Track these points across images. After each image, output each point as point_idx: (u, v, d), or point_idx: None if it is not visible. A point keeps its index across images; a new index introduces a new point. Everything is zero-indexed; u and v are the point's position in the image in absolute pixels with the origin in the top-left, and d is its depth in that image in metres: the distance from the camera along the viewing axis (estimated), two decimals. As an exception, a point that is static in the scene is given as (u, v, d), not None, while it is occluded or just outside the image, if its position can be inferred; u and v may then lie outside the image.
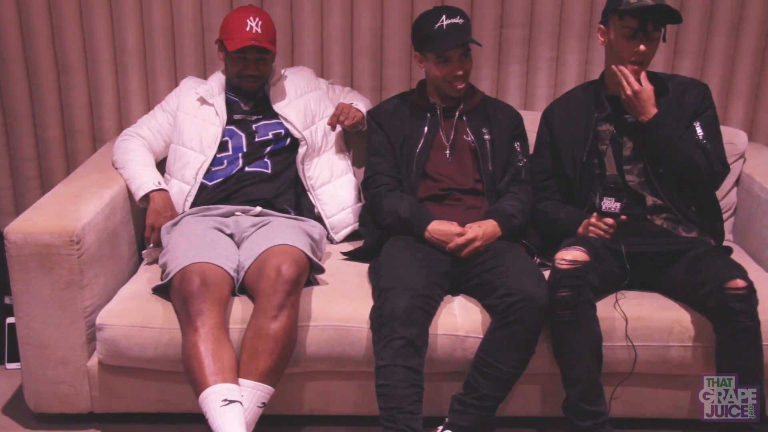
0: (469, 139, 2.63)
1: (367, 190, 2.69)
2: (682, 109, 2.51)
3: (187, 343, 2.17)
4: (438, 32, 2.48)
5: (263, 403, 2.16)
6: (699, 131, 2.49)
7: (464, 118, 2.65)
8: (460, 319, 2.33)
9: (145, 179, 2.63)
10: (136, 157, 2.69)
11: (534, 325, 2.22)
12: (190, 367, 2.14)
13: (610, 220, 2.40)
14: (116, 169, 2.71)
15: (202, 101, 2.74)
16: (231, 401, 2.07)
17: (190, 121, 2.72)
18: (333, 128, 2.80)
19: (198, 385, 2.11)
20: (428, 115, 2.66)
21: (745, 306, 2.16)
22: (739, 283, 2.17)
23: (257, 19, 2.64)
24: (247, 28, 2.62)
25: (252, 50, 2.65)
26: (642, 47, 2.41)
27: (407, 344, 2.17)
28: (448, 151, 2.63)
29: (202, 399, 2.09)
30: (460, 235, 2.43)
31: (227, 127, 2.72)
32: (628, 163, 2.54)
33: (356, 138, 2.95)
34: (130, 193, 2.66)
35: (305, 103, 2.81)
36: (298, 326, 2.27)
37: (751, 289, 2.18)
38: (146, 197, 2.61)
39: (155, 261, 2.58)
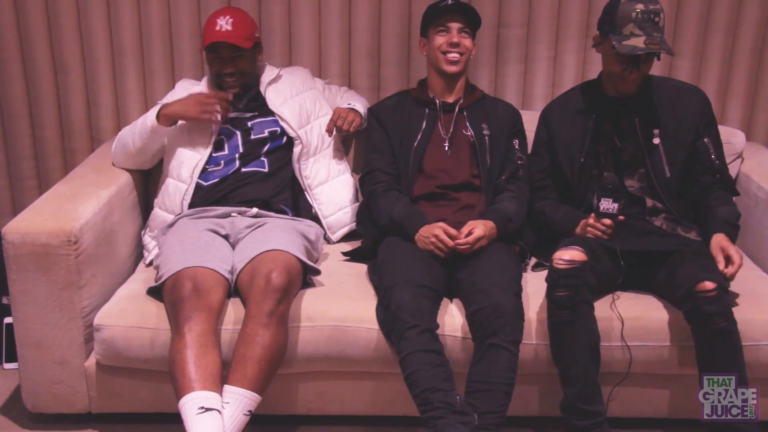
0: (469, 133, 2.64)
1: (364, 186, 2.69)
2: (683, 115, 2.52)
3: (173, 349, 2.17)
4: (442, 8, 2.60)
5: (249, 410, 2.14)
6: (711, 149, 2.52)
7: (464, 112, 2.66)
8: (458, 320, 2.33)
9: (147, 115, 2.66)
10: (132, 125, 2.72)
11: (508, 333, 2.19)
12: (173, 372, 2.13)
13: (608, 221, 2.40)
14: (127, 151, 2.70)
15: None
16: (208, 409, 2.05)
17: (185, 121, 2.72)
18: (330, 134, 2.80)
19: (178, 391, 2.10)
20: (427, 110, 2.66)
21: (716, 308, 2.15)
22: (708, 285, 2.16)
23: (227, 17, 2.65)
24: (217, 27, 2.63)
25: (224, 48, 2.65)
26: (633, 76, 2.43)
27: (423, 331, 2.18)
28: (446, 145, 2.63)
29: (181, 405, 2.08)
30: (452, 237, 2.41)
31: (222, 126, 2.71)
32: (628, 167, 2.54)
33: (354, 137, 2.95)
34: (127, 193, 2.67)
35: (300, 103, 2.81)
36: (288, 334, 2.26)
37: (722, 290, 2.17)
38: (160, 118, 2.63)
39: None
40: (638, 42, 2.34)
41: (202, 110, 2.63)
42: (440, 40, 2.59)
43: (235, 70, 2.69)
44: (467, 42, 2.61)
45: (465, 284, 2.34)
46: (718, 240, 2.36)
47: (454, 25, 2.58)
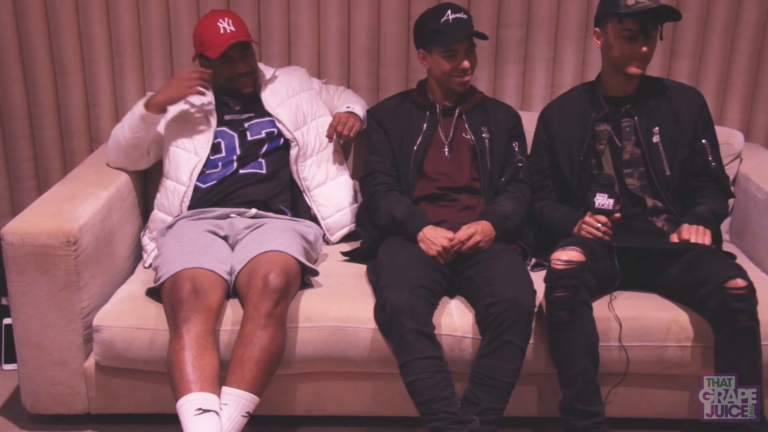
0: (468, 137, 2.64)
1: (365, 188, 2.69)
2: (681, 114, 2.53)
3: (171, 350, 2.17)
4: (444, 26, 2.50)
5: (248, 412, 2.14)
6: (708, 151, 2.53)
7: (464, 116, 2.66)
8: (457, 320, 2.33)
9: (136, 106, 2.64)
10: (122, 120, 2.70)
11: (524, 331, 2.23)
12: (171, 373, 2.13)
13: (603, 218, 2.40)
14: (118, 145, 2.67)
15: (192, 105, 2.74)
16: (205, 410, 2.05)
17: (183, 123, 2.72)
18: (330, 140, 2.80)
19: (176, 392, 2.10)
20: (428, 113, 2.66)
21: (745, 306, 2.16)
22: (740, 282, 2.17)
23: (226, 18, 2.64)
24: (221, 31, 2.62)
25: (235, 49, 2.64)
26: (644, 48, 2.42)
27: (419, 335, 2.18)
28: (446, 149, 2.63)
29: (179, 407, 2.08)
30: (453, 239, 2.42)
31: (218, 129, 2.71)
32: (629, 167, 2.54)
33: (353, 140, 2.94)
34: (127, 194, 2.67)
35: (297, 104, 2.80)
36: (286, 335, 2.26)
37: (751, 289, 2.18)
38: (148, 107, 2.61)
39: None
40: (647, 3, 2.36)
41: (188, 86, 2.63)
42: (448, 65, 2.54)
43: (249, 69, 2.70)
44: (474, 59, 2.59)
45: (476, 279, 2.34)
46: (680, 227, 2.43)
47: (461, 47, 2.52)
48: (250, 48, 2.70)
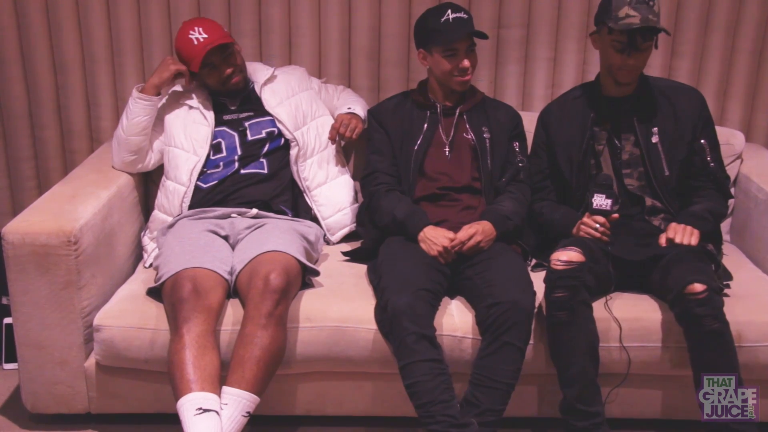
0: (469, 137, 2.64)
1: (366, 187, 2.69)
2: (680, 114, 2.52)
3: (171, 350, 2.17)
4: (445, 25, 2.50)
5: (248, 412, 2.14)
6: (707, 151, 2.52)
7: (464, 116, 2.66)
8: (458, 321, 2.33)
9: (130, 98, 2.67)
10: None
11: (523, 332, 2.23)
12: (171, 373, 2.14)
13: (601, 219, 2.40)
14: (119, 140, 2.68)
15: (189, 106, 2.74)
16: (206, 410, 2.05)
17: (180, 123, 2.72)
18: (333, 141, 2.80)
19: (177, 392, 2.10)
20: (428, 113, 2.66)
21: (706, 310, 2.15)
22: (697, 287, 2.16)
23: (196, 28, 2.64)
24: (195, 42, 2.62)
25: (214, 54, 2.64)
26: (631, 61, 2.42)
27: (420, 337, 2.18)
28: (447, 149, 2.63)
29: (179, 406, 2.08)
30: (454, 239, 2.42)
31: (217, 129, 2.71)
32: (627, 167, 2.54)
33: (355, 142, 2.94)
34: (127, 194, 2.68)
35: (296, 104, 2.80)
36: (286, 335, 2.26)
37: (712, 291, 2.17)
38: (143, 91, 2.65)
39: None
40: (634, 21, 2.36)
41: (171, 63, 2.67)
42: (449, 64, 2.54)
43: (234, 68, 2.70)
44: (474, 58, 2.59)
45: (476, 280, 2.34)
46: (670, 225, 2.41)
47: (462, 46, 2.52)
48: (230, 48, 2.69)
